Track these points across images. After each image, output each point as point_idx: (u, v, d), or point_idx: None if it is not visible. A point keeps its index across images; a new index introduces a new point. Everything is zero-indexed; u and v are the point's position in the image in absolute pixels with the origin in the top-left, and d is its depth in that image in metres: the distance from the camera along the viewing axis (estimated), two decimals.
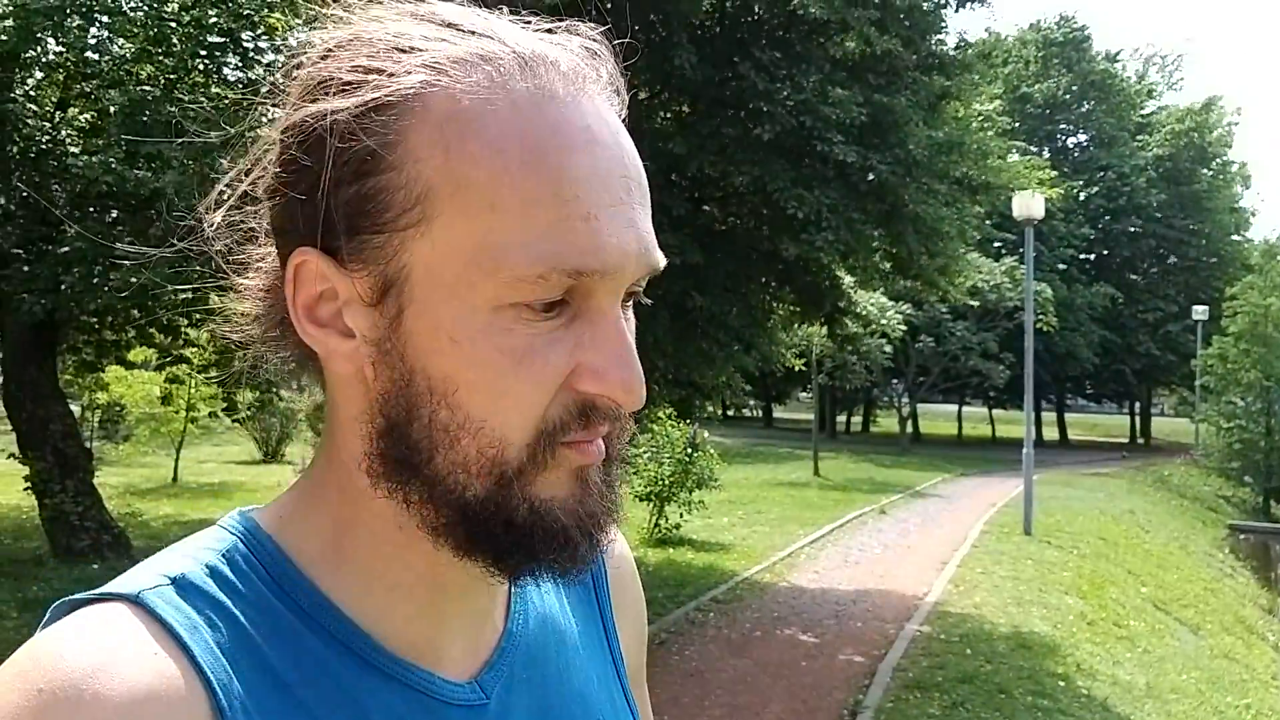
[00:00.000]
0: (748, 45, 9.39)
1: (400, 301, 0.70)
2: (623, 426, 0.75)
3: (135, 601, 0.68)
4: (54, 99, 10.80)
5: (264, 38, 10.63)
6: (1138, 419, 54.83)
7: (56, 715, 0.61)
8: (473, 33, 0.72)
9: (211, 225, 0.80)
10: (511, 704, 0.81)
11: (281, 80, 0.77)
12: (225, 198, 0.80)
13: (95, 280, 8.98)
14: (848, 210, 9.36)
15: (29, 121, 9.87)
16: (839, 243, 9.40)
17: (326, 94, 0.70)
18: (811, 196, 9.01)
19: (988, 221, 13.26)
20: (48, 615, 0.71)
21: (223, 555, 0.74)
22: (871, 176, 9.49)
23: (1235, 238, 50.16)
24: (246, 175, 0.78)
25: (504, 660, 0.82)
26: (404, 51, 0.71)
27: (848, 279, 11.92)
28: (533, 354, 0.68)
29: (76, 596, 0.70)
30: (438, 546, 0.73)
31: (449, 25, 0.73)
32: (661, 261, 0.73)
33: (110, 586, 0.70)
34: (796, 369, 18.58)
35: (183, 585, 0.70)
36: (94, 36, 10.41)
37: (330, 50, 0.73)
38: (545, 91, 0.70)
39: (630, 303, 0.74)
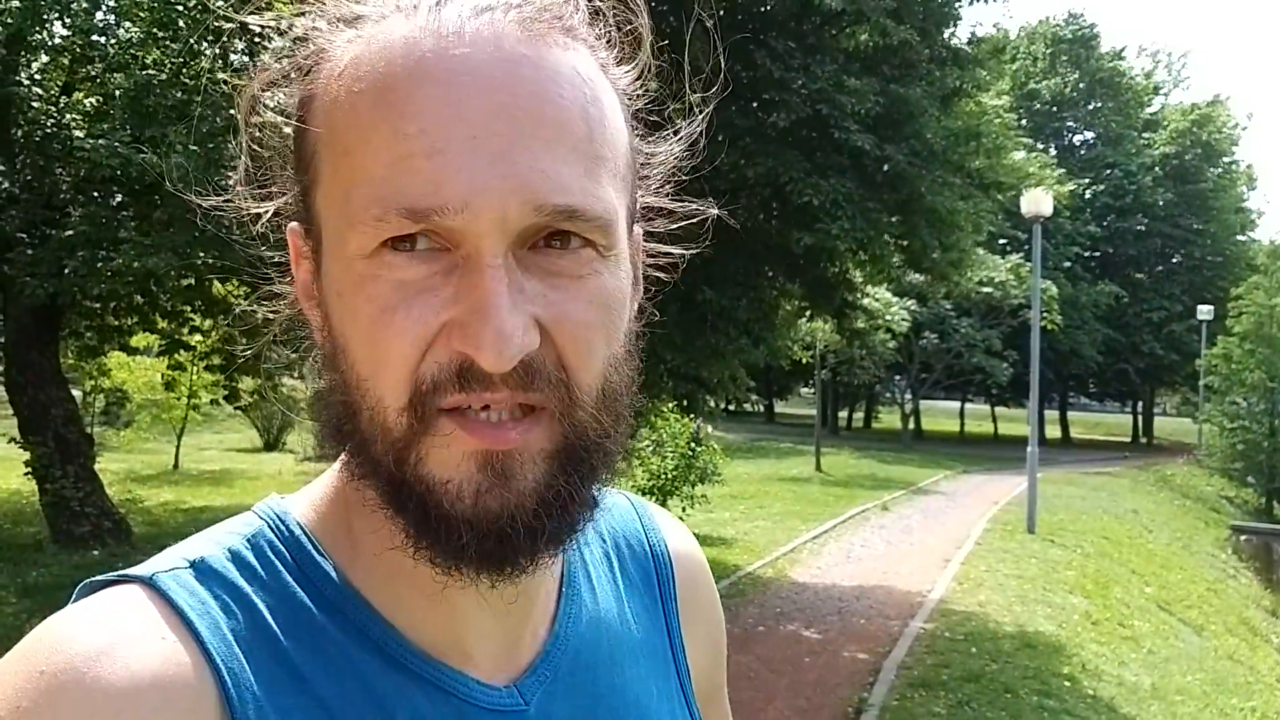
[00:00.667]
0: (762, 35, 9.32)
1: (320, 261, 0.68)
2: (561, 407, 0.65)
3: (149, 584, 0.65)
4: (59, 82, 10.74)
5: (271, 23, 10.57)
6: (1140, 418, 54.80)
7: (56, 698, 0.59)
8: None
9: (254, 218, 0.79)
10: (554, 712, 0.75)
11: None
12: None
13: (99, 265, 8.94)
14: (863, 200, 9.31)
15: (34, 105, 9.82)
16: (855, 231, 9.33)
17: (267, 65, 0.73)
18: (827, 185, 8.98)
19: (998, 216, 13.20)
20: (74, 596, 0.68)
21: (248, 541, 0.70)
22: (887, 167, 9.44)
23: (1241, 238, 50.09)
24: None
25: (547, 664, 0.77)
26: (309, 17, 0.70)
27: (857, 273, 11.88)
28: (395, 305, 0.62)
29: (100, 578, 0.67)
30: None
31: None
32: (568, 200, 0.63)
33: (130, 569, 0.67)
34: (804, 361, 18.55)
35: (201, 569, 0.67)
36: (100, 20, 10.36)
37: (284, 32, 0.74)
38: (429, 27, 0.64)
39: (584, 251, 0.65)
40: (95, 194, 9.83)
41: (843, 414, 51.52)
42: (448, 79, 0.62)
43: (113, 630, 0.61)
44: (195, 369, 14.95)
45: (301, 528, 0.72)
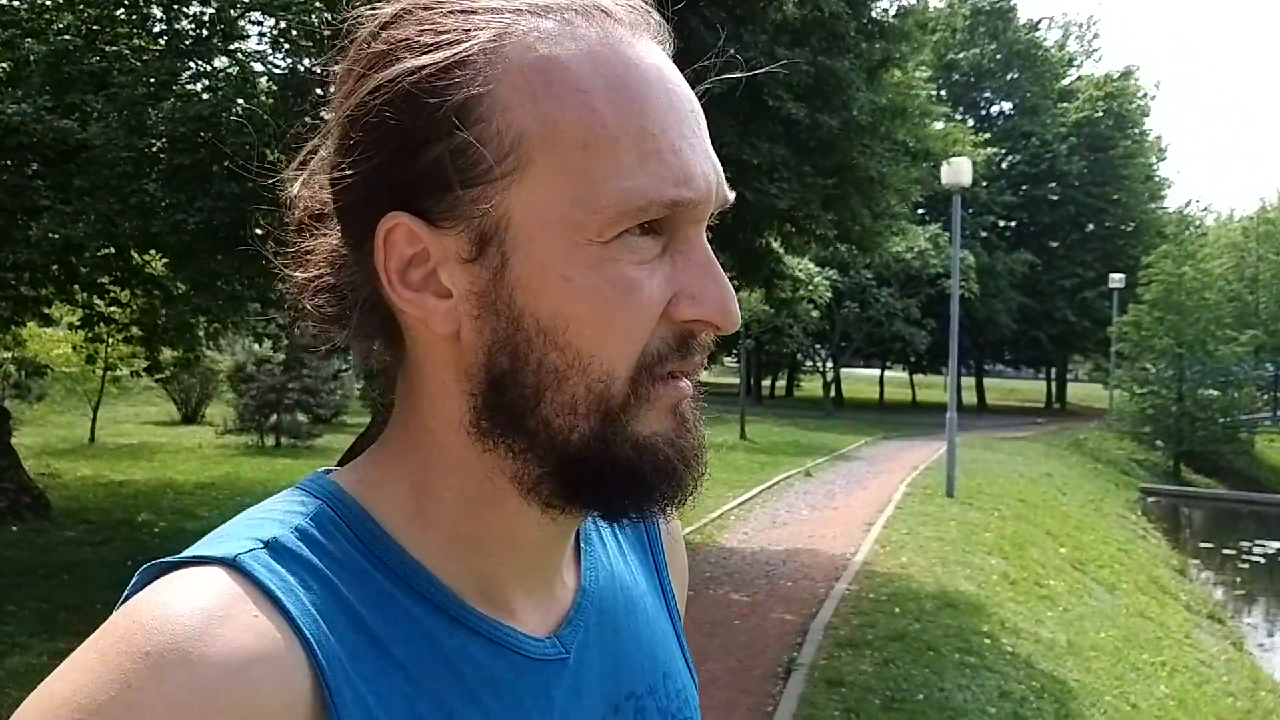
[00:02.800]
0: (694, 2, 9.36)
1: (503, 250, 0.71)
2: (702, 361, 0.76)
3: (232, 565, 0.68)
4: None
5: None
6: (1054, 384, 56.01)
7: (164, 677, 0.61)
8: None
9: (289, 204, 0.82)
10: (587, 660, 0.82)
11: (335, 55, 0.78)
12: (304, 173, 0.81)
13: (15, 234, 8.71)
14: (798, 165, 9.43)
15: None
16: (791, 191, 9.46)
17: (405, 56, 0.71)
18: (765, 147, 9.07)
19: (928, 182, 13.41)
20: (136, 578, 0.70)
21: (311, 518, 0.74)
22: (819, 134, 9.54)
23: (1151, 206, 51.19)
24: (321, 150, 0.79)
25: (580, 616, 0.84)
26: (471, 11, 0.72)
27: (780, 246, 11.99)
28: (638, 283, 0.70)
29: (166, 559, 0.69)
30: (528, 501, 0.75)
31: None
32: (731, 196, 0.76)
33: (201, 549, 0.70)
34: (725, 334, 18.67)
35: (275, 548, 0.70)
36: None
37: (393, 18, 0.74)
38: (612, 35, 0.72)
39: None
40: (8, 162, 9.54)
41: (766, 383, 52.00)
42: (659, 83, 0.72)
43: (209, 610, 0.64)
44: (113, 341, 14.62)
45: (357, 503, 0.76)
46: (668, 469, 0.73)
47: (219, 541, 0.71)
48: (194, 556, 0.69)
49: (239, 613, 0.65)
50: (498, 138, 0.69)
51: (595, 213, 0.69)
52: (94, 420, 20.55)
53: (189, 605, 0.64)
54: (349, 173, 0.73)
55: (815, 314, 31.19)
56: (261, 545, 0.70)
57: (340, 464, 0.83)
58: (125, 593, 0.69)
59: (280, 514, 0.74)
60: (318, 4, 9.72)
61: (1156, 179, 53.04)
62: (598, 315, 0.70)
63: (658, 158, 0.69)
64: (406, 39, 0.71)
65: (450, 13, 0.72)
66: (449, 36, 0.71)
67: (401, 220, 0.71)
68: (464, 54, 0.70)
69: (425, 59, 0.70)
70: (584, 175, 0.69)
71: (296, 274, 0.81)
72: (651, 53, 0.73)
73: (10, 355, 18.73)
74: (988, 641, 8.94)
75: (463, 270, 0.72)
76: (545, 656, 0.78)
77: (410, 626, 0.72)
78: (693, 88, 0.76)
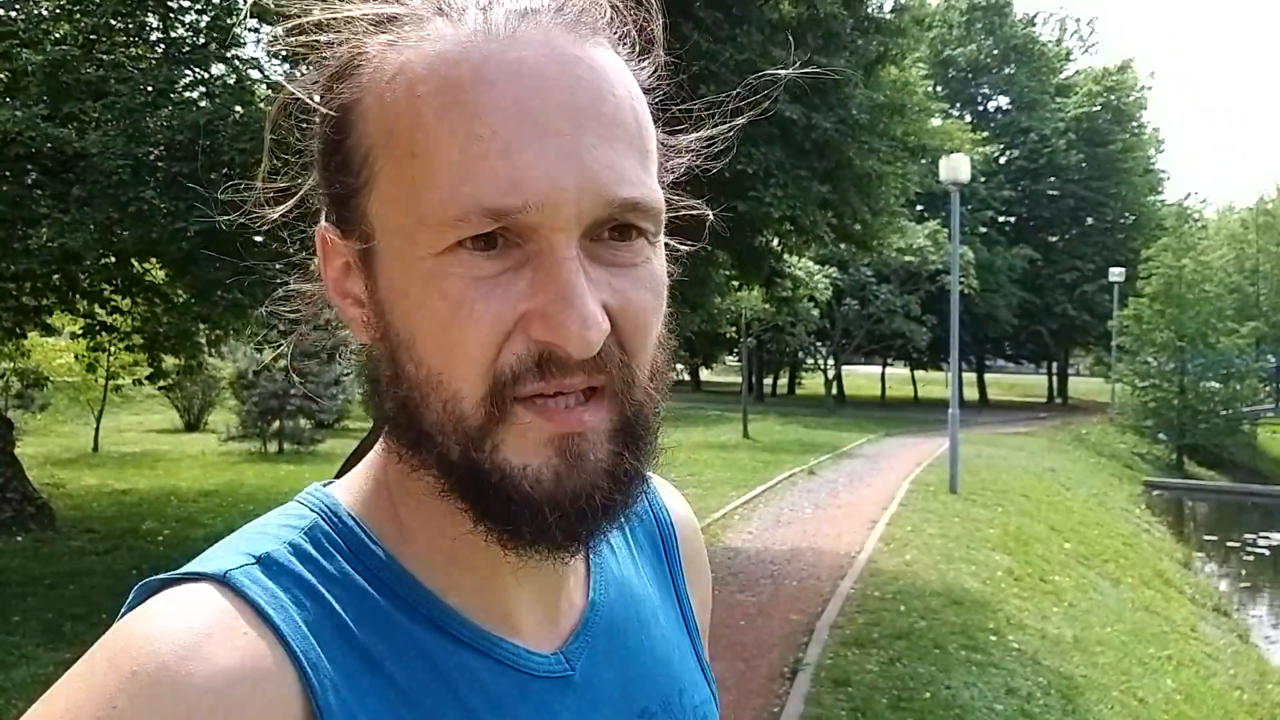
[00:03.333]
0: (688, 6, 9.36)
1: (372, 261, 0.71)
2: (622, 387, 0.69)
3: (222, 581, 0.67)
4: None
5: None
6: (1055, 379, 55.94)
7: (150, 697, 0.61)
8: None
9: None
10: (596, 676, 0.80)
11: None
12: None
13: (15, 245, 8.70)
14: (794, 168, 9.42)
15: None
16: (786, 199, 9.45)
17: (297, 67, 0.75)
18: (759, 153, 9.05)
19: (925, 179, 13.42)
20: (131, 596, 0.70)
21: (305, 533, 0.73)
22: (815, 134, 9.53)
23: (1150, 199, 51.12)
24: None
25: (588, 631, 0.82)
26: (350, 20, 0.72)
27: (778, 244, 11.98)
28: (473, 300, 0.65)
29: (160, 577, 0.69)
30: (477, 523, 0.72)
31: None
32: (630, 193, 0.67)
33: (195, 566, 0.69)
34: (727, 335, 18.69)
35: (268, 564, 0.69)
36: None
37: (301, 26, 0.74)
38: (481, 31, 0.67)
39: (638, 241, 0.70)
40: (7, 174, 9.53)
41: (768, 381, 51.97)
42: (511, 80, 0.65)
43: (197, 629, 0.63)
44: (115, 349, 14.63)
45: (352, 517, 0.75)
46: (534, 511, 0.68)
47: (212, 558, 0.70)
48: (186, 574, 0.68)
49: (228, 631, 0.64)
50: (357, 148, 0.70)
51: (422, 224, 0.66)
52: (97, 429, 20.55)
53: (177, 624, 0.64)
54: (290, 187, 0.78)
55: (815, 312, 31.17)
56: (254, 561, 0.69)
57: (342, 470, 0.82)
58: (122, 611, 0.69)
59: (275, 529, 0.73)
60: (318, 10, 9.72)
61: (1155, 172, 52.98)
62: (434, 332, 0.67)
63: (483, 162, 0.64)
64: (307, 53, 0.73)
65: (337, 20, 0.72)
66: (331, 48, 0.72)
67: (323, 230, 0.74)
68: (338, 66, 0.71)
69: (314, 76, 0.72)
70: (411, 184, 0.66)
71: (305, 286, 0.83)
72: (529, 44, 0.67)
73: (13, 366, 18.75)
74: (994, 638, 8.93)
75: (358, 279, 0.73)
76: (550, 673, 0.77)
77: (406, 644, 0.71)
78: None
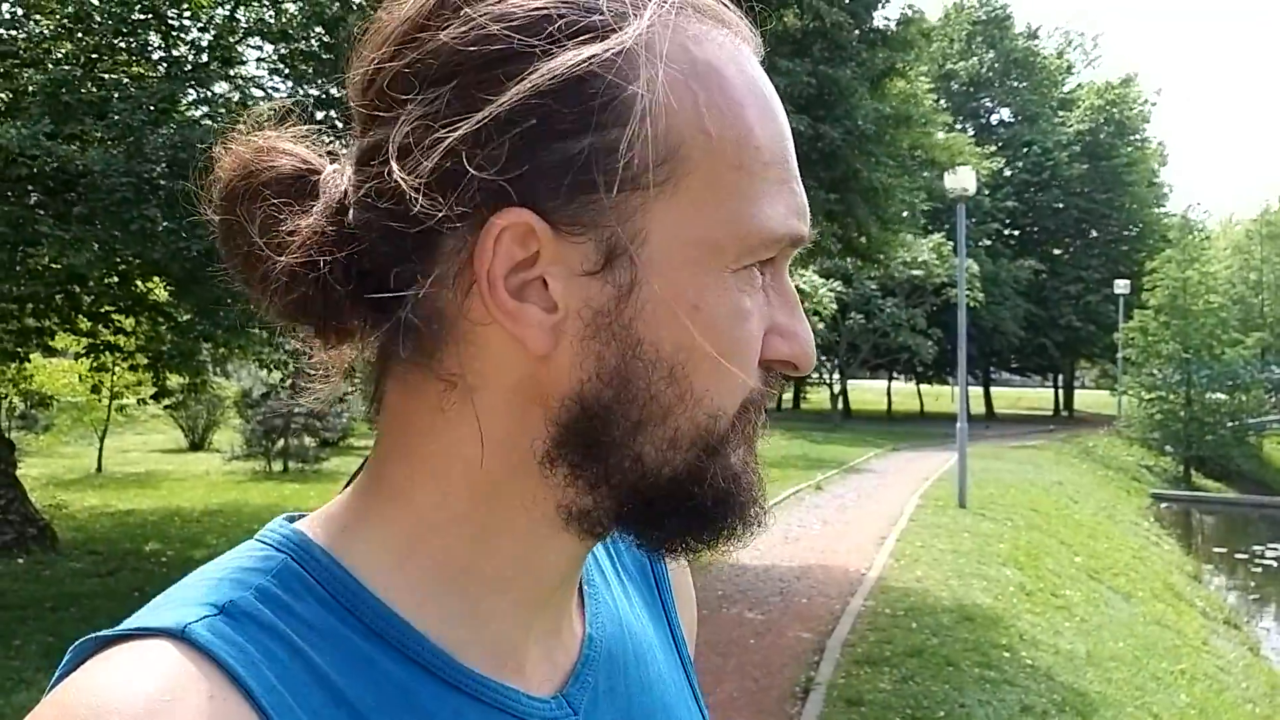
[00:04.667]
0: None
1: (634, 268, 0.62)
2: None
3: (181, 637, 0.58)
4: None
5: (188, 14, 10.35)
6: (1061, 392, 55.90)
7: None
8: None
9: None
10: (597, 717, 0.74)
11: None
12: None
13: (17, 267, 8.67)
14: (801, 178, 9.38)
15: None
16: None
17: (558, 39, 0.61)
18: None
19: (928, 194, 13.40)
20: (68, 657, 0.61)
21: (273, 576, 0.64)
22: (821, 144, 9.49)
23: (1154, 211, 51.22)
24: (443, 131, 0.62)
25: (589, 670, 0.75)
26: None
27: None
28: (754, 318, 0.66)
29: (102, 634, 0.60)
30: (565, 530, 0.68)
31: None
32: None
33: (145, 620, 0.60)
34: None
35: (233, 614, 0.61)
36: (8, 12, 10.05)
37: None
38: (740, 49, 0.67)
39: None
40: (10, 193, 9.51)
41: None
42: (776, 105, 0.68)
43: (155, 694, 0.55)
44: (119, 369, 14.60)
45: (327, 554, 0.66)
46: (754, 496, 0.70)
47: (165, 608, 0.61)
48: (136, 629, 0.59)
49: (190, 695, 0.56)
50: (655, 142, 0.61)
51: (739, 239, 0.63)
52: (101, 449, 20.51)
53: (129, 690, 0.55)
54: (441, 155, 0.61)
55: (820, 326, 31.14)
56: (216, 611, 0.60)
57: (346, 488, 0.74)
58: (57, 673, 0.60)
59: (236, 572, 0.64)
60: (317, 29, 9.72)
61: (1159, 185, 53.05)
62: (718, 349, 0.64)
63: (788, 188, 0.66)
64: (547, 11, 0.61)
65: None
66: (602, 19, 0.61)
67: (525, 218, 0.61)
68: (627, 43, 0.61)
69: (596, 47, 0.60)
70: (734, 197, 0.63)
71: (281, 257, 0.66)
72: (755, 61, 0.69)
73: (17, 388, 18.72)
74: (1007, 654, 8.84)
75: (578, 284, 0.63)
76: (551, 719, 0.70)
77: (394, 694, 0.63)
78: None
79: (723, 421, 0.66)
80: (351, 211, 0.66)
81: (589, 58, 0.60)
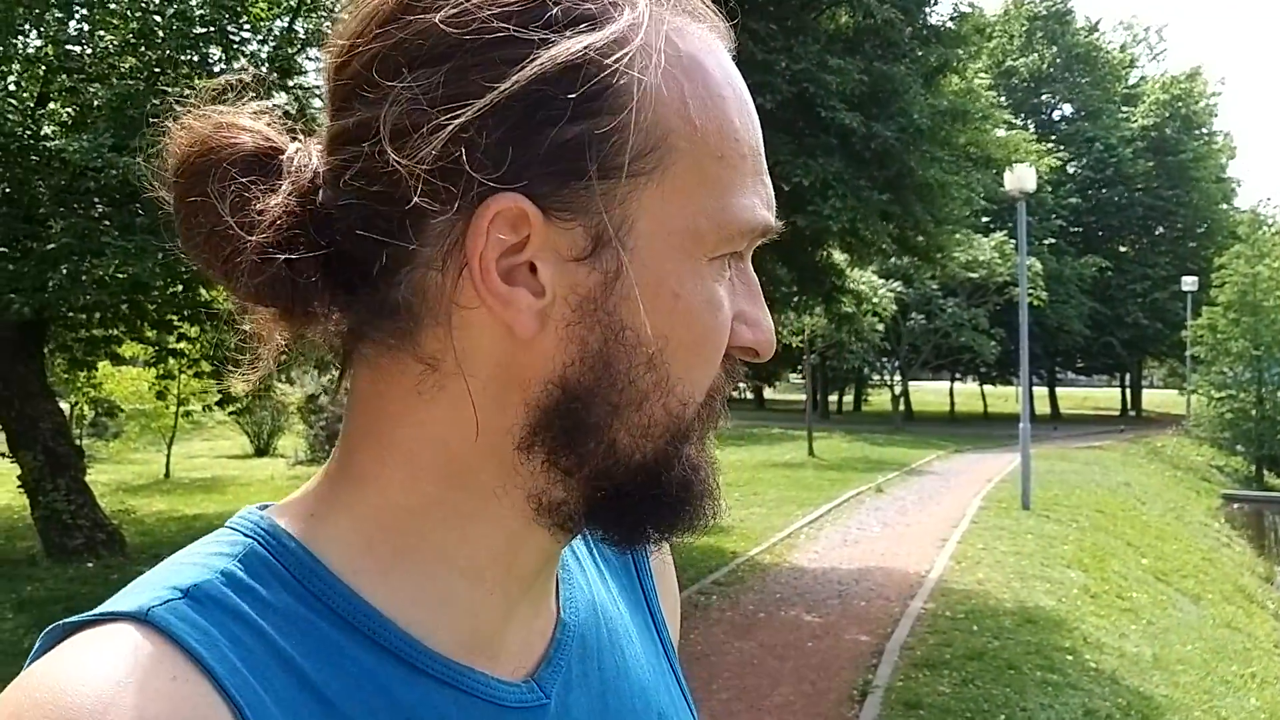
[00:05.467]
0: (742, 18, 9.34)
1: (620, 255, 0.63)
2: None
3: (144, 620, 0.58)
4: (34, 92, 10.64)
5: (247, 27, 10.53)
6: (1129, 391, 54.99)
7: None
8: None
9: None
10: (571, 703, 0.73)
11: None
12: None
13: (83, 278, 8.86)
14: (854, 178, 9.30)
15: (10, 117, 9.72)
16: (846, 211, 9.32)
17: (554, 26, 0.61)
18: (816, 164, 8.96)
19: (984, 190, 13.23)
20: (39, 643, 0.61)
21: (239, 560, 0.64)
22: (875, 144, 9.41)
23: (1223, 207, 50.25)
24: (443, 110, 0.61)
25: (561, 654, 0.75)
26: None
27: (841, 257, 11.88)
28: (725, 306, 0.67)
29: (70, 620, 0.61)
30: (537, 521, 0.68)
31: None
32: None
33: (111, 605, 0.60)
34: (794, 346, 18.62)
35: (197, 597, 0.61)
36: (74, 29, 10.28)
37: None
38: (715, 43, 0.69)
39: None
40: (76, 205, 9.72)
41: (833, 398, 51.68)
42: (749, 99, 0.70)
43: (115, 676, 0.55)
44: (184, 376, 14.87)
45: (294, 539, 0.66)
46: (710, 488, 0.70)
47: (131, 593, 0.61)
48: (100, 614, 0.60)
49: (152, 677, 0.56)
50: (646, 130, 0.62)
51: (719, 229, 0.65)
52: (169, 455, 20.90)
53: (91, 673, 0.55)
54: (445, 140, 0.60)
55: (880, 327, 30.89)
56: (180, 595, 0.60)
57: None
58: (28, 661, 0.60)
59: (203, 557, 0.65)
60: None
61: (1228, 180, 52.02)
62: (694, 337, 0.66)
63: (760, 180, 0.68)
64: (557, 6, 0.62)
65: None
66: (598, 6, 0.63)
67: (518, 203, 0.61)
68: (622, 32, 0.62)
69: (594, 36, 0.61)
70: (716, 187, 0.65)
71: (251, 236, 0.64)
72: (727, 55, 0.70)
73: (86, 396, 19.15)
74: (1070, 658, 8.71)
75: (565, 270, 0.63)
76: (523, 704, 0.70)
77: (362, 679, 0.63)
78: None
79: (691, 409, 0.67)
80: (324, 192, 0.66)
81: (588, 45, 0.61)
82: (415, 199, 0.60)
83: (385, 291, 0.65)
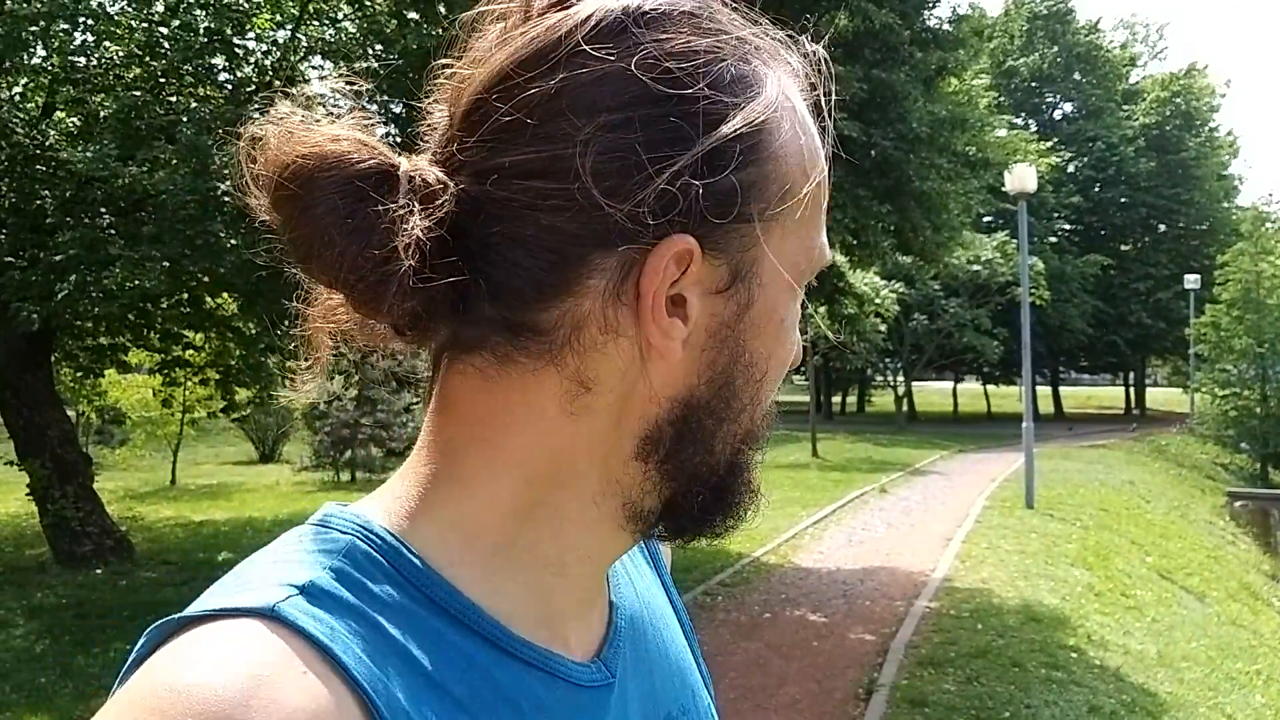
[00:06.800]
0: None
1: (750, 288, 0.72)
2: None
3: (271, 616, 0.61)
4: (39, 102, 10.70)
5: (251, 37, 10.58)
6: (1132, 390, 54.92)
7: None
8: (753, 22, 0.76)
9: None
10: (629, 682, 0.80)
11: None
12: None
13: (90, 288, 8.90)
14: (853, 188, 9.32)
15: (16, 127, 9.78)
16: (846, 220, 9.37)
17: (722, 86, 0.69)
18: None
19: (983, 194, 13.23)
20: (145, 638, 0.63)
21: (344, 555, 0.67)
22: (874, 153, 9.44)
23: (1225, 205, 50.16)
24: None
25: (618, 636, 0.81)
26: (749, 41, 0.73)
27: (842, 259, 11.89)
28: (797, 328, 0.77)
29: (182, 615, 0.62)
30: (633, 525, 0.75)
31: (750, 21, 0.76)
32: None
33: (227, 600, 0.62)
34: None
35: (314, 593, 0.63)
36: (80, 40, 10.34)
37: (688, 39, 0.69)
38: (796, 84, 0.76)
39: None
40: (83, 215, 9.76)
41: (836, 399, 51.64)
42: None
43: (252, 671, 0.57)
44: (190, 384, 14.91)
45: (391, 534, 0.70)
46: (758, 485, 0.80)
47: (244, 589, 0.63)
48: (220, 609, 0.61)
49: (287, 671, 0.58)
50: (780, 180, 0.71)
51: (811, 264, 0.76)
52: (174, 462, 20.95)
53: (230, 668, 0.57)
54: (665, 182, 0.66)
55: (882, 328, 30.89)
56: (297, 591, 0.63)
57: None
58: (132, 657, 0.62)
59: (306, 554, 0.67)
60: (378, 47, 9.89)
61: (1230, 178, 51.94)
62: (781, 359, 0.76)
63: (824, 218, 0.77)
64: (718, 54, 0.69)
65: (744, 41, 0.72)
66: (749, 69, 0.71)
67: (690, 244, 0.67)
68: (779, 93, 0.72)
69: (767, 97, 0.70)
70: (812, 228, 0.75)
71: (406, 260, 0.65)
72: None
73: (92, 405, 19.21)
74: (1074, 655, 8.74)
75: (709, 301, 0.70)
76: (595, 683, 0.75)
77: (465, 664, 0.68)
78: None
79: (768, 418, 0.78)
80: (471, 219, 0.68)
81: (766, 106, 0.70)
82: (615, 234, 0.66)
83: (532, 315, 0.69)
